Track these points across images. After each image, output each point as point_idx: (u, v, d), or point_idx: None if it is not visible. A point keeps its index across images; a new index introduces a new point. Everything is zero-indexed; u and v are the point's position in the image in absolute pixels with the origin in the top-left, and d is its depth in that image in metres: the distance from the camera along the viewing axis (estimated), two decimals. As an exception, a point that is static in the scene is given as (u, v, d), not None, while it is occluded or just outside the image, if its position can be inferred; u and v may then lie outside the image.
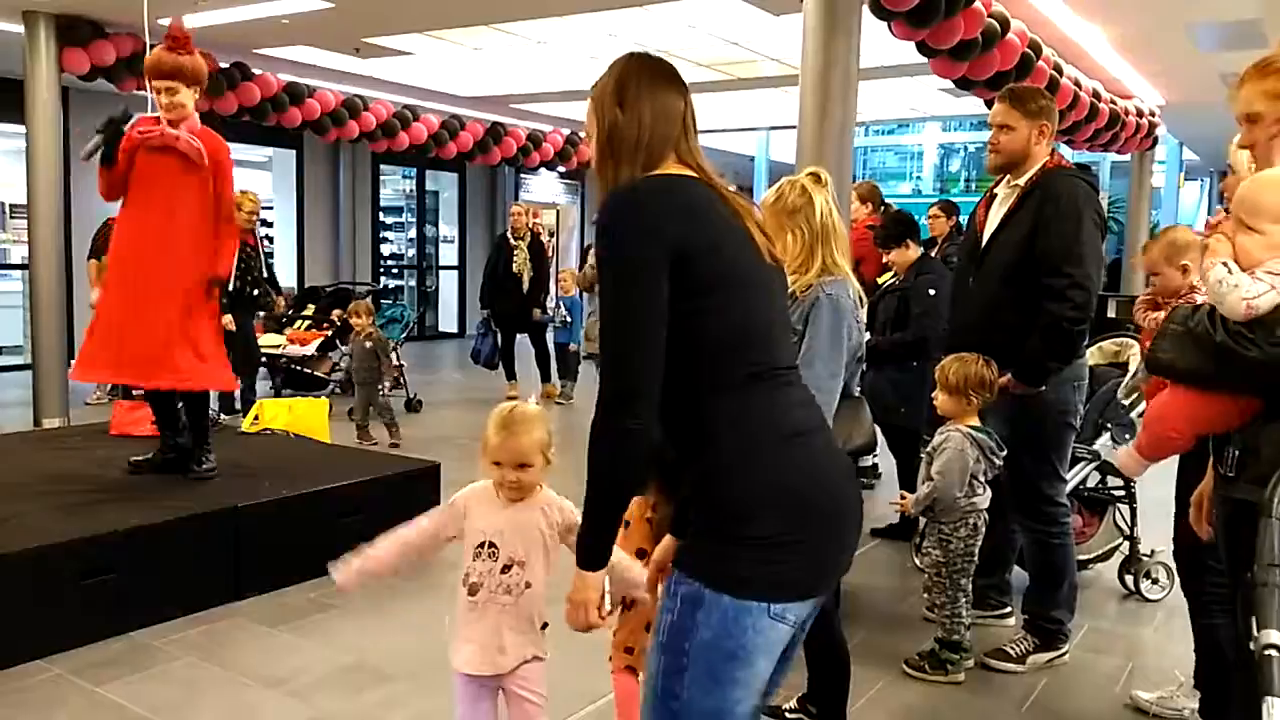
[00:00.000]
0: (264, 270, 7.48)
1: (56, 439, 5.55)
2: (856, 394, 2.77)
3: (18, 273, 10.22)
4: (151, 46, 4.57)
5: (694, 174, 1.72)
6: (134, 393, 5.01)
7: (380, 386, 7.08)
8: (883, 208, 6.21)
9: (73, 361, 4.70)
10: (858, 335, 2.71)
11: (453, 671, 2.31)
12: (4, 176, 10.44)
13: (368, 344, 7.03)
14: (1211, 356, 1.99)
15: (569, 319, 9.09)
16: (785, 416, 1.68)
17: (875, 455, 5.98)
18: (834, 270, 2.69)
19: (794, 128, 5.28)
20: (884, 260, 5.04)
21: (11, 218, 10.56)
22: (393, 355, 8.32)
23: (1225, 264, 2.00)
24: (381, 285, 13.47)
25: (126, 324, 4.23)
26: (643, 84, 1.73)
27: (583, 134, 9.59)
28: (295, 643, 3.66)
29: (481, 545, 2.25)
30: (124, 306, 4.25)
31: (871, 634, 3.78)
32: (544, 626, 2.26)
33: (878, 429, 3.33)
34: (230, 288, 7.15)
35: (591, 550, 1.68)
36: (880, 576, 4.57)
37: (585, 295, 9.05)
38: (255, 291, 7.21)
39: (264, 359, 7.83)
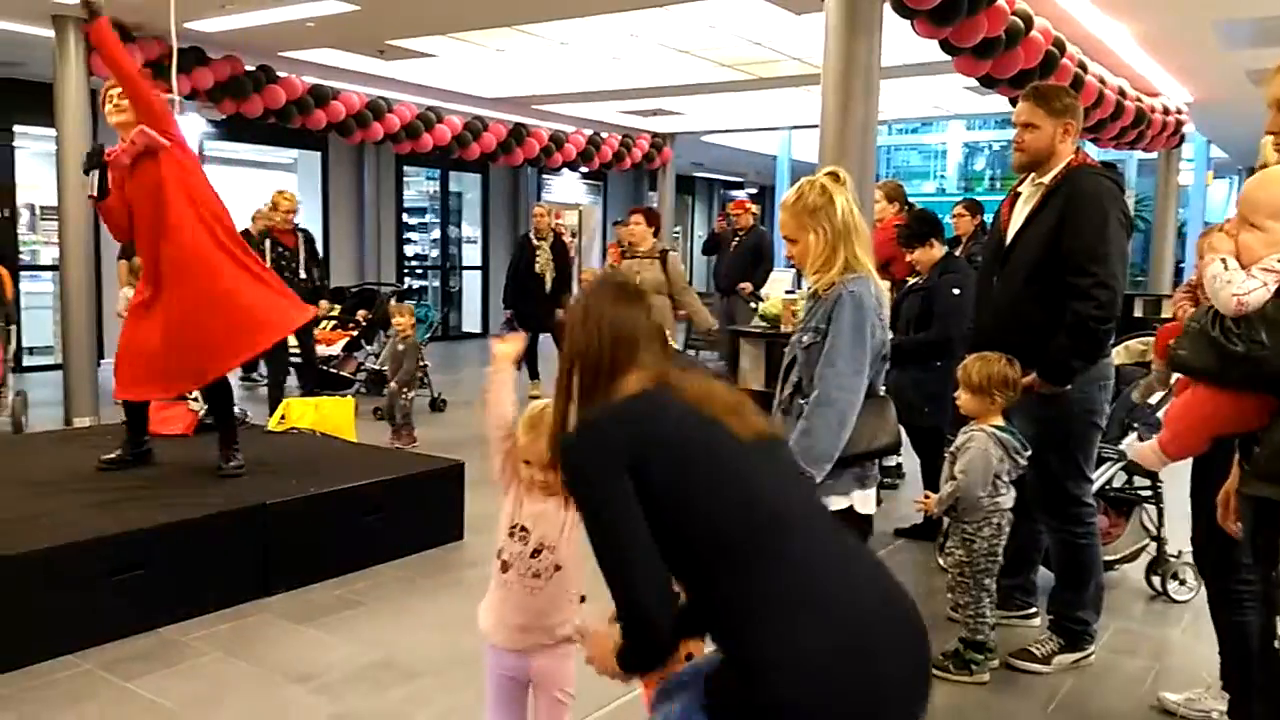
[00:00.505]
0: (303, 270, 7.55)
1: (87, 437, 5.63)
2: (881, 393, 2.77)
3: (48, 274, 10.36)
4: (181, 50, 4.63)
5: (653, 382, 1.75)
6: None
7: (401, 386, 7.13)
8: (907, 206, 6.19)
9: (108, 374, 4.74)
10: (881, 333, 2.70)
11: (484, 643, 2.35)
12: (34, 179, 10.59)
13: (400, 346, 7.12)
14: (1216, 354, 2.00)
15: (591, 319, 9.10)
16: (813, 583, 1.60)
17: (899, 455, 5.97)
18: (856, 267, 2.69)
19: (816, 127, 5.28)
20: (907, 259, 5.02)
21: (42, 219, 10.70)
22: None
23: (1223, 260, 2.03)
24: (406, 286, 13.55)
25: (173, 341, 4.26)
26: (604, 305, 1.82)
27: (604, 134, 9.71)
28: (322, 639, 3.69)
29: (514, 526, 2.30)
30: (167, 324, 4.28)
31: (895, 634, 3.76)
32: (582, 599, 2.30)
33: (901, 429, 3.32)
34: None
35: (631, 667, 1.76)
36: (904, 576, 4.50)
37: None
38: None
39: (295, 359, 7.90)
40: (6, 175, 10.15)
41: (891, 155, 24.12)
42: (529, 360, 8.96)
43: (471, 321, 15.33)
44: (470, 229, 15.45)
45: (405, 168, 14.04)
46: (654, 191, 15.12)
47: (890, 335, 2.80)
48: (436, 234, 15.06)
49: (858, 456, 2.66)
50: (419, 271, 15.00)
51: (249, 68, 8.38)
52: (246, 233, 7.99)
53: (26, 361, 9.93)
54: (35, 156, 10.49)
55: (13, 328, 7.18)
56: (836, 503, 2.67)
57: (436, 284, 15.13)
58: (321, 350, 8.83)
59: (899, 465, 6.09)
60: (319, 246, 7.92)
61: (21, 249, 10.47)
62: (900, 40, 6.12)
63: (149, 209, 4.25)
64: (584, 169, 13.27)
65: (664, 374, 1.77)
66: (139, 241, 4.39)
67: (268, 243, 7.54)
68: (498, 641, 2.33)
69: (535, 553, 2.27)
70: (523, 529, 2.30)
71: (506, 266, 9.54)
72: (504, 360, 2.42)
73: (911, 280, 5.15)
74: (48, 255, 10.46)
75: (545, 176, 15.82)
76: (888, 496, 5.63)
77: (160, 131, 4.16)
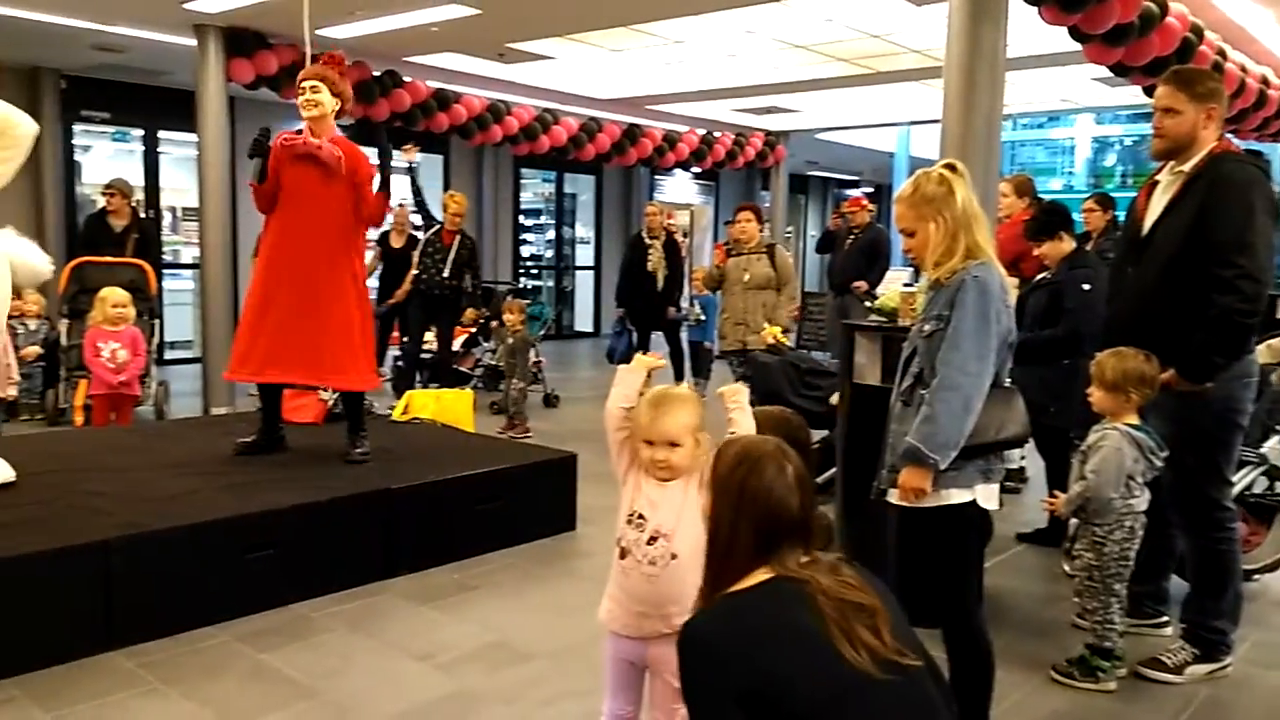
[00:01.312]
0: (447, 269, 7.82)
1: (224, 424, 5.92)
2: (1007, 384, 2.69)
3: (188, 272, 10.94)
4: (313, 57, 4.86)
5: (780, 573, 1.66)
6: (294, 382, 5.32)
7: (515, 381, 7.32)
8: (1036, 201, 5.99)
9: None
10: (1007, 320, 2.62)
11: (605, 628, 2.39)
12: (176, 182, 11.22)
13: (509, 340, 7.35)
14: None
15: (703, 317, 9.12)
16: None
17: (1023, 457, 5.77)
18: (979, 254, 2.62)
19: (936, 122, 5.16)
20: (1035, 253, 4.85)
21: (183, 220, 11.32)
22: (532, 352, 8.56)
23: None
24: (521, 285, 13.81)
25: (292, 327, 4.48)
26: (756, 475, 1.73)
27: (717, 133, 9.65)
28: (441, 620, 3.80)
29: (632, 513, 2.32)
30: (289, 310, 4.50)
31: (1016, 639, 3.65)
32: None
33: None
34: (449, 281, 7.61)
35: None
36: (1026, 581, 4.41)
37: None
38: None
39: (427, 355, 8.23)
40: (151, 179, 10.76)
41: (1016, 151, 23.33)
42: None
43: (584, 320, 15.52)
44: (584, 229, 15.66)
45: (522, 169, 14.32)
46: (766, 190, 15.03)
47: (1015, 330, 2.71)
48: (551, 234, 15.31)
49: (984, 447, 2.58)
50: (534, 271, 15.28)
51: (376, 73, 8.68)
52: (386, 235, 8.36)
53: (168, 355, 10.51)
54: (176, 161, 11.11)
55: (156, 322, 7.62)
56: (958, 496, 2.60)
57: (550, 283, 15.38)
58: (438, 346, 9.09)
59: (1022, 468, 5.89)
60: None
61: (164, 249, 11.09)
62: (1026, 29, 5.93)
63: (311, 206, 4.46)
64: (696, 168, 13.28)
65: (798, 569, 1.66)
66: (282, 224, 4.56)
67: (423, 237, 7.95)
68: (616, 627, 2.36)
69: (651, 540, 2.29)
70: (640, 516, 2.32)
71: (619, 266, 9.63)
72: (644, 366, 2.46)
73: (1039, 276, 4.97)
74: (188, 254, 11.05)
75: (657, 176, 15.90)
76: (1010, 500, 5.45)
77: (351, 169, 4.46)
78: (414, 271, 7.99)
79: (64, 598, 3.35)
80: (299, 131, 4.56)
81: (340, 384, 4.68)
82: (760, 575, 1.67)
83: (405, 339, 8.30)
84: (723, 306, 6.92)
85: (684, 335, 9.28)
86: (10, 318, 6.78)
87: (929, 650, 1.72)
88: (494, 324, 8.78)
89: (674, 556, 2.28)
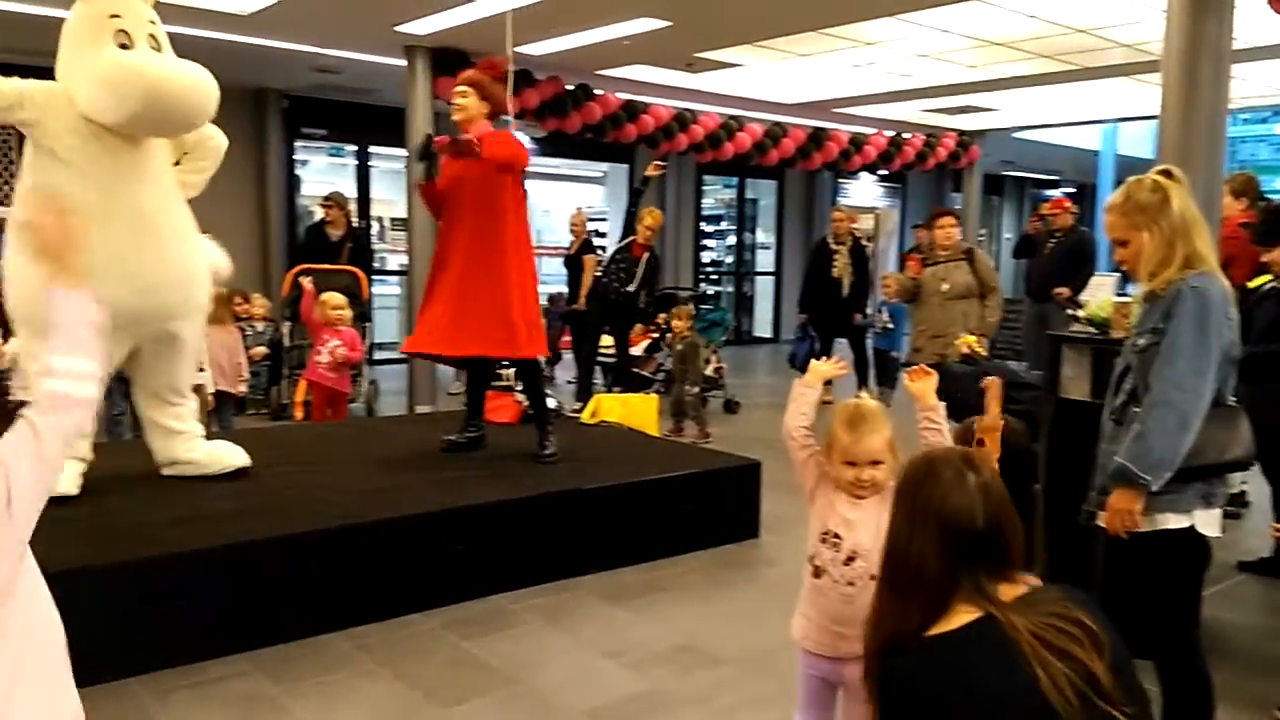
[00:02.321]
0: (634, 284, 8.04)
1: (429, 422, 6.29)
2: (1231, 402, 2.52)
3: (394, 279, 11.65)
4: (515, 72, 5.08)
5: (988, 611, 1.54)
6: (493, 384, 5.58)
7: (686, 385, 7.44)
8: (1260, 202, 5.53)
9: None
10: (1229, 333, 2.45)
11: (795, 647, 2.39)
12: (384, 194, 11.98)
13: (679, 346, 7.49)
14: None
15: (891, 325, 8.93)
16: None
17: (1244, 481, 5.36)
18: (1198, 264, 2.46)
19: (1147, 118, 4.87)
20: (1261, 260, 4.49)
21: (391, 230, 12.07)
22: (711, 357, 8.64)
23: None
24: (701, 290, 13.93)
25: (456, 306, 4.65)
26: (936, 490, 1.61)
27: (906, 135, 9.36)
28: (631, 619, 3.91)
29: (826, 532, 2.31)
30: (452, 290, 4.67)
31: (1236, 676, 3.40)
32: None
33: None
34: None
35: None
36: (1247, 613, 4.10)
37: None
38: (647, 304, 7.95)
39: (605, 359, 8.47)
40: (362, 191, 11.52)
41: (1237, 148, 21.58)
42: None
43: (763, 326, 15.48)
44: (764, 235, 15.62)
45: (704, 175, 14.44)
46: (958, 193, 14.53)
47: (1240, 344, 2.54)
48: (732, 240, 15.35)
49: (1204, 470, 2.43)
50: (714, 277, 15.37)
51: (568, 86, 8.98)
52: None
53: (376, 355, 11.22)
54: (383, 174, 11.87)
55: (368, 325, 8.17)
56: (1174, 521, 2.46)
57: (731, 289, 15.42)
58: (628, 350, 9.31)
59: (1243, 493, 5.47)
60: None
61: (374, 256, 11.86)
62: (1252, 18, 5.50)
63: (464, 194, 4.63)
64: (883, 171, 13.00)
65: (1005, 604, 1.53)
66: (446, 215, 4.77)
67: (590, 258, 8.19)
68: (810, 645, 2.35)
69: (849, 559, 2.28)
70: (835, 535, 2.30)
71: (799, 272, 9.56)
72: (819, 378, 2.46)
73: (1261, 284, 4.60)
74: (394, 262, 11.76)
75: (841, 180, 15.66)
76: (1231, 525, 5.06)
77: (492, 155, 4.58)
78: (595, 274, 8.27)
79: (292, 581, 3.66)
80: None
81: (503, 351, 4.79)
82: (965, 612, 1.54)
83: (580, 343, 8.57)
84: (917, 318, 6.64)
85: (869, 342, 9.11)
86: (239, 320, 7.45)
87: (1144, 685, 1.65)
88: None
89: (873, 577, 2.26)
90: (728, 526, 4.92)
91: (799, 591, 2.43)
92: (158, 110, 3.59)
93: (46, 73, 3.73)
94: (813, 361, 2.57)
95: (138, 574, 3.33)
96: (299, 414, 7.27)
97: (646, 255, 8.12)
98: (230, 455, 4.33)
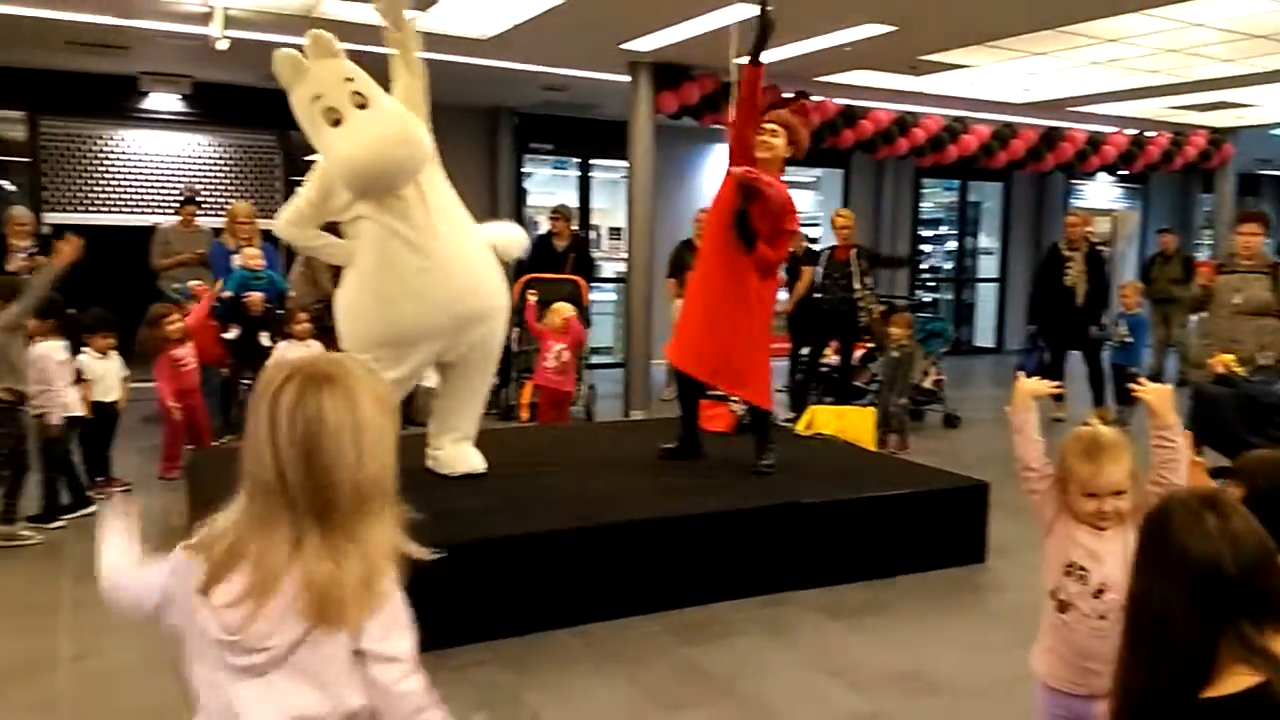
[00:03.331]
0: (856, 282, 7.97)
1: (647, 429, 6.46)
2: None
3: (609, 286, 12.00)
4: (728, 84, 5.09)
5: (1263, 674, 1.35)
6: (709, 392, 5.66)
7: (894, 395, 7.30)
8: None
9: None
10: None
11: (1035, 682, 2.30)
12: (603, 204, 12.38)
13: (895, 354, 7.31)
14: None
15: (1130, 338, 8.35)
16: None
17: None
18: None
19: None
20: None
21: (609, 239, 12.45)
22: (930, 369, 8.38)
23: None
24: (917, 299, 13.50)
25: (706, 336, 4.80)
26: (1154, 537, 1.50)
27: (1150, 133, 8.67)
28: (852, 638, 3.87)
29: (1070, 566, 2.22)
30: (704, 313, 4.82)
31: None
32: None
33: None
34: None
35: None
36: None
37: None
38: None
39: (825, 369, 8.42)
40: (584, 202, 11.95)
41: None
42: (1054, 380, 8.46)
43: (986, 336, 14.81)
44: (988, 240, 14.94)
45: (923, 179, 13.99)
46: (1208, 194, 13.38)
47: None
48: (952, 245, 14.79)
49: None
50: (931, 284, 14.86)
51: (786, 94, 8.96)
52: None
53: (592, 360, 11.62)
54: (603, 185, 12.27)
55: (587, 330, 8.47)
56: None
57: (950, 297, 14.86)
58: (835, 360, 9.18)
59: None
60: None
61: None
62: None
63: (733, 229, 4.73)
64: (1123, 171, 12.16)
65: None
66: (711, 236, 4.86)
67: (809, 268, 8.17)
68: (1056, 683, 2.26)
69: (1098, 593, 2.18)
70: (1081, 568, 2.21)
71: (1026, 279, 9.11)
72: (1026, 398, 2.37)
73: None
74: (609, 269, 12.10)
75: (1075, 181, 14.75)
76: None
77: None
78: (808, 282, 8.25)
79: (528, 578, 3.87)
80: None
81: (741, 393, 4.88)
82: (1240, 674, 1.38)
83: (797, 351, 8.51)
84: (1202, 330, 6.08)
85: (1106, 357, 8.55)
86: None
87: None
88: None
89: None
90: (952, 549, 4.77)
91: (1030, 621, 2.34)
92: (367, 185, 3.88)
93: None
94: (1018, 380, 2.44)
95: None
96: (524, 415, 7.64)
97: (854, 253, 8.02)
98: (470, 459, 4.61)
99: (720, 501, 4.40)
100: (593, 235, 12.39)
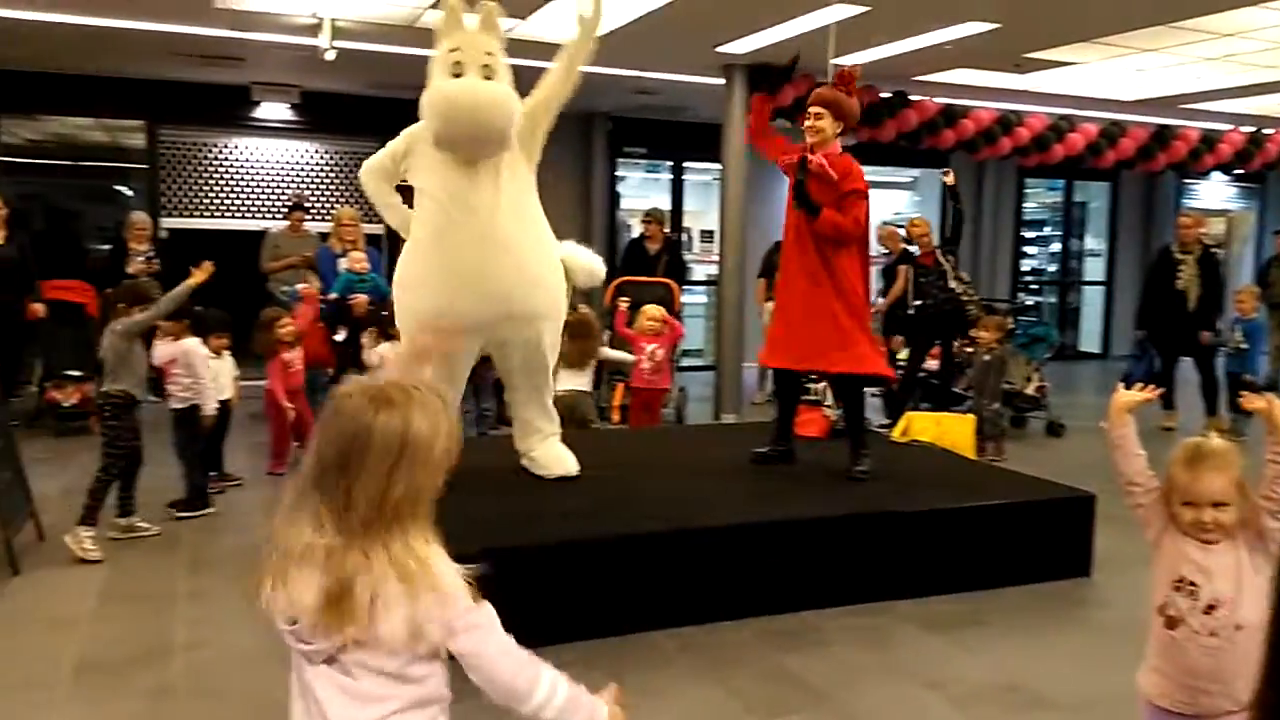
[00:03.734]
0: (950, 281, 7.84)
1: (738, 433, 6.44)
2: None
3: (700, 288, 11.99)
4: (823, 85, 5.06)
5: None
6: (803, 398, 5.61)
7: (985, 400, 7.13)
8: None
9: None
10: None
11: (1141, 702, 2.23)
12: (695, 206, 12.38)
13: (986, 357, 7.13)
14: None
15: (1245, 344, 7.98)
16: None
17: None
18: None
19: None
20: None
21: (702, 242, 12.45)
22: (1033, 375, 8.14)
23: None
24: (1019, 302, 13.13)
25: (796, 325, 4.78)
26: None
27: (1268, 131, 8.28)
28: (949, 650, 3.79)
29: (1180, 581, 2.15)
30: (799, 308, 4.79)
31: None
32: None
33: None
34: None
35: None
36: None
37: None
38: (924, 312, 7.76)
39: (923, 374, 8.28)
40: (675, 205, 11.97)
41: None
42: (1165, 388, 8.14)
43: (1091, 341, 14.32)
44: (1094, 241, 14.45)
45: (1026, 178, 13.61)
46: (1333, 193, 12.68)
47: None
48: (1056, 247, 14.34)
49: None
50: (1034, 287, 14.44)
51: (884, 94, 8.83)
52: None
53: (683, 363, 11.63)
54: (695, 187, 12.28)
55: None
56: None
57: (1053, 300, 14.42)
58: (933, 365, 8.99)
59: None
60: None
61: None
62: None
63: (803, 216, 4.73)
64: (1238, 171, 11.61)
65: None
66: (786, 232, 4.86)
67: (905, 268, 8.05)
68: (1166, 703, 2.19)
69: (1209, 609, 2.10)
70: (1190, 583, 2.13)
71: (1135, 282, 8.78)
72: (1122, 411, 2.29)
73: None
74: (700, 272, 12.10)
75: (1187, 181, 14.15)
76: None
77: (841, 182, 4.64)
78: (904, 284, 8.13)
79: (621, 579, 3.89)
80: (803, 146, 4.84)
81: (840, 367, 4.78)
82: None
83: (894, 356, 8.37)
84: None
85: (1220, 364, 8.19)
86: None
87: None
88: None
89: (1238, 627, 2.07)
90: (1055, 562, 4.63)
91: (1137, 638, 2.27)
92: (452, 127, 3.95)
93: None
94: (1116, 393, 2.36)
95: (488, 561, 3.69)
96: (615, 417, 7.69)
97: (939, 255, 7.90)
98: (564, 462, 4.64)
99: (815, 508, 4.36)
100: (684, 238, 12.42)
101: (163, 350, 5.23)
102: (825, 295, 4.69)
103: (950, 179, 7.78)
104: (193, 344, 5.29)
